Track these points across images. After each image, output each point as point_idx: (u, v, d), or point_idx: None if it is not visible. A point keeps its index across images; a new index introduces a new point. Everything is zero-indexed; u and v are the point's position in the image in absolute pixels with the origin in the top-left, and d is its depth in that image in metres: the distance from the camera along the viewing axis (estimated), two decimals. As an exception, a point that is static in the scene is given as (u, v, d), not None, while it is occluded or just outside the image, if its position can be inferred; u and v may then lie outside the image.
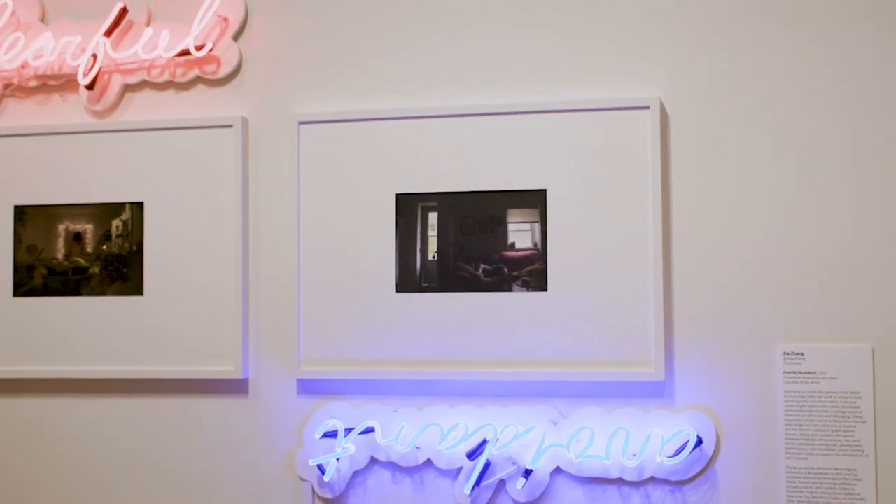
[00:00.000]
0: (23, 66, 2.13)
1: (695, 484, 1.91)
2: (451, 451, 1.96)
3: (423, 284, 2.01)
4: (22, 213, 2.14)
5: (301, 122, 2.06)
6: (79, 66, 2.10)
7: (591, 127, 1.95)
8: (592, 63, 1.99)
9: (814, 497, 1.85)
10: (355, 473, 2.02)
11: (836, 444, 1.85)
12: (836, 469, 1.85)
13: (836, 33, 1.90)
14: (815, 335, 1.88)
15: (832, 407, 1.86)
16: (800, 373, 1.87)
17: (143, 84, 2.14)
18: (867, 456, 1.83)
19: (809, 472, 1.86)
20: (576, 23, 1.99)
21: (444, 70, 2.04)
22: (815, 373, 1.87)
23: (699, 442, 1.87)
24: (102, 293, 2.10)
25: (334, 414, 2.02)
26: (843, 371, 1.86)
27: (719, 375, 1.91)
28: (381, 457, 2.00)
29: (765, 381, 1.90)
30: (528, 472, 1.91)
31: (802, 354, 1.88)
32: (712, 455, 1.90)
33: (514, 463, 1.94)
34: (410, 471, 2.01)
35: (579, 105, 1.96)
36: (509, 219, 1.99)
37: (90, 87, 2.10)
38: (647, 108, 1.93)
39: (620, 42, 1.97)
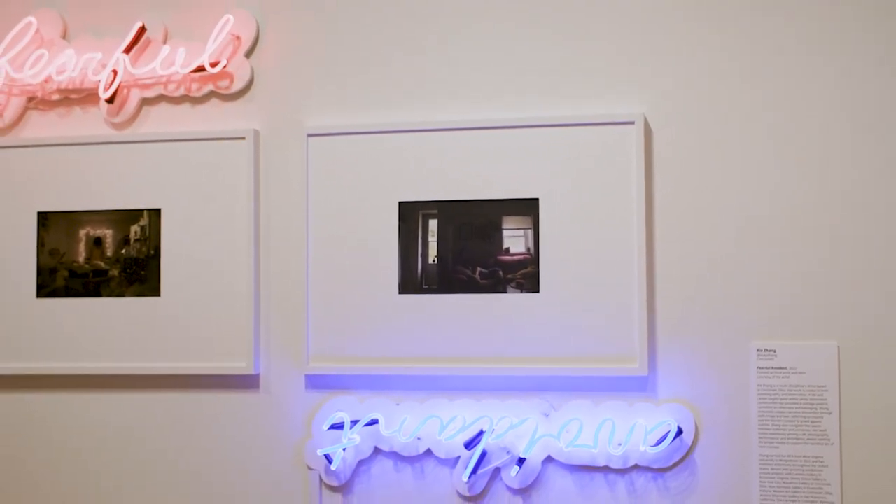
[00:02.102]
0: (46, 81, 2.17)
1: (675, 471, 1.96)
2: (450, 441, 2.00)
3: (424, 286, 2.05)
4: (45, 219, 2.17)
5: (310, 135, 2.09)
6: (99, 80, 2.14)
7: (581, 140, 2.00)
8: (582, 82, 2.03)
9: (784, 482, 1.91)
10: (360, 462, 2.06)
11: (804, 434, 1.91)
12: (804, 456, 1.91)
13: (811, 53, 1.95)
14: (785, 333, 1.94)
15: (801, 399, 1.92)
16: (772, 368, 1.93)
17: (160, 98, 2.17)
18: (833, 444, 1.90)
19: (780, 460, 1.92)
20: (568, 45, 2.04)
21: (445, 87, 2.08)
22: (785, 368, 1.93)
23: (679, 432, 1.92)
24: (121, 294, 2.14)
25: (341, 407, 2.06)
26: (811, 366, 1.92)
27: (698, 371, 1.97)
28: (384, 447, 2.05)
29: (740, 376, 1.95)
30: (521, 461, 1.96)
31: (774, 351, 1.93)
32: (691, 444, 1.95)
33: (508, 452, 1.99)
34: (412, 460, 2.05)
35: (570, 120, 2.00)
36: (504, 225, 2.02)
37: (110, 100, 2.14)
38: (632, 123, 1.97)
39: (608, 63, 2.02)
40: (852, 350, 1.92)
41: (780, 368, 1.93)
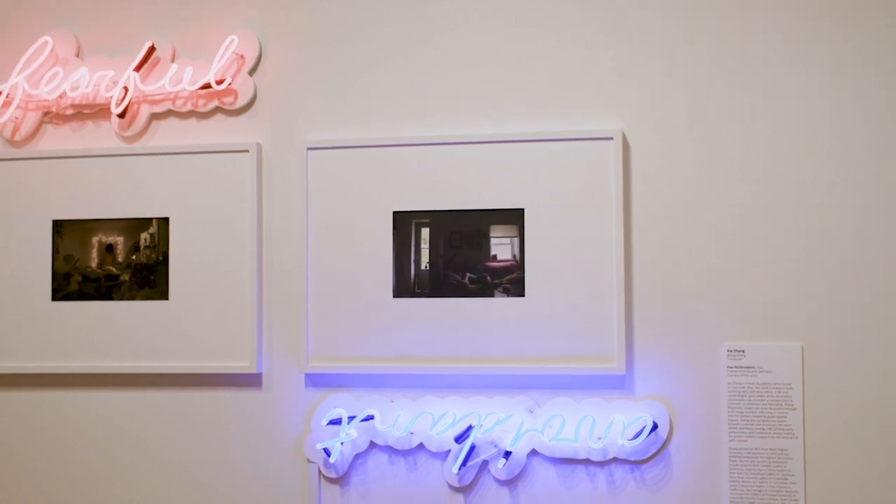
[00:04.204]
0: (61, 97, 2.21)
1: (651, 463, 2.01)
2: (441, 435, 2.05)
3: (417, 291, 2.09)
4: (59, 227, 2.21)
5: (309, 148, 2.13)
6: (111, 96, 2.18)
7: (563, 154, 2.04)
8: (565, 100, 2.08)
9: (752, 473, 1.97)
10: (357, 456, 2.11)
11: (771, 428, 1.97)
12: (770, 449, 1.96)
13: (785, 70, 2.00)
14: (754, 335, 1.99)
15: (768, 396, 1.97)
16: (741, 367, 1.99)
17: (169, 113, 2.21)
18: (797, 438, 1.95)
19: (749, 452, 1.97)
20: (552, 65, 2.09)
21: (437, 104, 2.13)
22: (753, 367, 1.98)
23: (655, 427, 1.98)
24: (132, 298, 2.18)
25: (338, 404, 2.10)
26: (777, 366, 1.97)
27: (672, 369, 2.02)
28: (379, 441, 2.09)
29: (711, 375, 2.00)
30: (507, 454, 2.01)
31: (743, 351, 1.99)
32: (666, 438, 2.00)
33: (495, 446, 2.03)
34: (405, 453, 2.09)
35: (553, 135, 2.04)
36: (492, 234, 2.07)
37: (121, 115, 2.18)
38: (611, 138, 2.02)
39: (589, 82, 2.07)
40: (815, 351, 1.98)
41: (749, 367, 1.99)
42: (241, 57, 2.19)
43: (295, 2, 2.20)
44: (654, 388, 2.04)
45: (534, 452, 2.06)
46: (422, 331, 2.09)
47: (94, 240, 2.22)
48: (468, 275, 2.09)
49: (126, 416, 2.23)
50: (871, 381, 1.97)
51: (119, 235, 2.21)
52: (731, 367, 2.00)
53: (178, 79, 2.19)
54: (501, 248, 2.08)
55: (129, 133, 2.24)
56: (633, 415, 2.01)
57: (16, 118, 2.26)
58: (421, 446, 2.09)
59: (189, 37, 2.22)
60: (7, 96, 2.23)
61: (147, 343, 2.19)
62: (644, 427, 1.99)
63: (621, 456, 2.02)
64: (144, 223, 2.21)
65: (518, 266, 2.07)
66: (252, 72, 2.20)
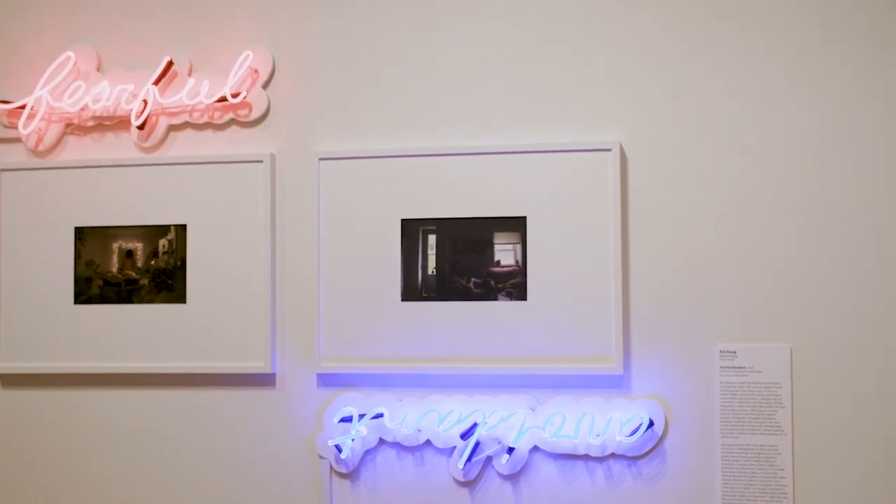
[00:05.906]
0: (82, 109, 2.27)
1: (647, 459, 2.06)
2: (447, 432, 2.09)
3: (424, 295, 2.13)
4: (81, 234, 2.26)
5: (321, 159, 2.17)
6: (131, 109, 2.23)
7: (564, 165, 2.09)
8: (565, 113, 2.12)
9: (743, 468, 2.01)
10: (366, 452, 2.15)
11: (761, 425, 2.01)
12: (761, 445, 2.01)
13: (776, 84, 2.03)
14: (745, 337, 2.04)
15: (758, 395, 2.01)
16: (733, 367, 2.03)
17: (186, 125, 2.26)
18: (785, 434, 2.00)
19: (740, 448, 2.02)
20: (553, 79, 2.13)
21: (443, 116, 2.17)
22: (745, 367, 2.02)
23: (651, 424, 2.02)
24: (151, 301, 2.23)
25: (349, 402, 2.14)
26: (767, 366, 2.01)
27: (668, 369, 2.06)
28: (388, 438, 2.13)
29: (704, 374, 2.04)
30: (511, 450, 2.06)
31: (735, 352, 2.03)
32: (662, 435, 2.04)
33: (499, 442, 2.07)
34: (413, 449, 2.14)
35: (554, 147, 2.08)
36: (495, 240, 2.10)
37: (141, 127, 2.23)
38: (609, 150, 2.06)
39: (588, 96, 2.11)
40: (803, 352, 2.02)
41: (740, 367, 2.03)
42: (256, 71, 2.24)
43: (306, 19, 2.25)
44: (650, 387, 2.08)
45: (536, 448, 2.10)
46: (428, 333, 2.13)
47: (115, 246, 2.26)
48: (473, 279, 2.12)
49: (144, 414, 2.27)
50: (857, 380, 2.01)
51: (138, 241, 2.25)
52: (724, 368, 2.04)
53: (195, 92, 2.25)
54: (505, 253, 2.11)
55: (147, 144, 2.29)
56: (631, 413, 2.05)
57: (39, 130, 2.31)
58: (428, 443, 2.13)
59: (205, 52, 2.27)
60: (31, 109, 2.29)
61: (165, 344, 2.23)
62: (641, 424, 2.03)
63: (619, 452, 2.06)
64: (163, 230, 2.25)
65: (520, 271, 2.11)
66: (266, 85, 2.25)
